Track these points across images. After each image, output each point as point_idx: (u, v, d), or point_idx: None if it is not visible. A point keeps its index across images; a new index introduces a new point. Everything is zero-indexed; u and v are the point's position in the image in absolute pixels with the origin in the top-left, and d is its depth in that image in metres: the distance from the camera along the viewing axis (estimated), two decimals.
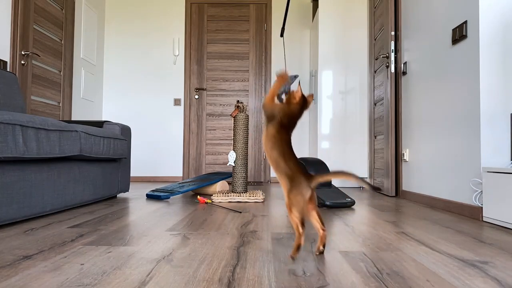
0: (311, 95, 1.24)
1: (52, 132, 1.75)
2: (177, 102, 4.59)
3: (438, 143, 2.37)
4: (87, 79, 4.16)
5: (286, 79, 1.24)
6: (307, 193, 1.07)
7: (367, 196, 3.03)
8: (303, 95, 1.21)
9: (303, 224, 1.07)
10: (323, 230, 1.13)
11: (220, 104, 4.62)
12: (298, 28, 4.63)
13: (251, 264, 1.05)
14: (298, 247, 1.07)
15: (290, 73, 1.34)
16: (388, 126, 3.06)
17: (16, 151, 1.50)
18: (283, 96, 1.25)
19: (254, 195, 2.54)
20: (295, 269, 1.01)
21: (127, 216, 1.88)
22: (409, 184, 2.85)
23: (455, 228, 1.64)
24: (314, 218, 1.13)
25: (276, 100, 1.25)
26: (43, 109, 3.29)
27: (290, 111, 1.19)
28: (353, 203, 2.29)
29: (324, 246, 1.15)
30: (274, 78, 4.61)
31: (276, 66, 4.61)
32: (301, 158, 2.55)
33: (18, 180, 1.60)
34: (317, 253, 1.15)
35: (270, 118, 1.20)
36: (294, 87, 1.27)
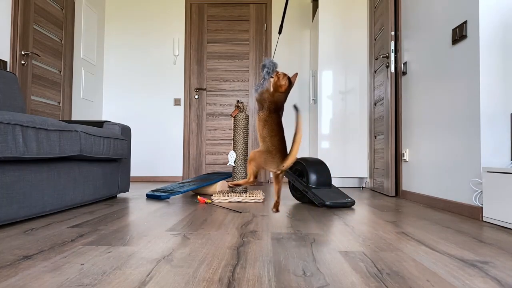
0: (295, 75, 1.45)
1: (52, 132, 1.75)
2: (177, 102, 4.59)
3: (438, 143, 2.37)
4: (87, 79, 4.16)
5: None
6: (272, 167, 1.35)
7: (367, 196, 3.03)
8: (288, 81, 1.41)
9: (255, 176, 1.37)
10: (277, 199, 1.48)
11: (220, 104, 4.62)
12: (298, 28, 4.63)
13: (251, 264, 1.05)
14: (238, 185, 1.41)
15: (266, 60, 1.48)
16: (388, 126, 3.06)
17: (16, 151, 1.50)
18: (266, 78, 1.40)
19: (254, 195, 2.54)
20: (295, 269, 1.01)
21: (127, 216, 1.88)
22: (409, 184, 2.85)
23: (455, 228, 1.64)
24: (275, 190, 1.44)
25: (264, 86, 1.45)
26: (43, 109, 3.29)
27: (275, 99, 1.40)
28: (353, 203, 2.29)
29: (277, 209, 1.51)
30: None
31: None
32: (301, 158, 2.55)
33: (18, 180, 1.60)
34: (273, 210, 1.50)
35: (260, 107, 1.43)
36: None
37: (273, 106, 1.38)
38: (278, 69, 1.46)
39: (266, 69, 1.40)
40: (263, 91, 1.42)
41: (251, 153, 1.38)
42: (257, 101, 1.42)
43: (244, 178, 2.64)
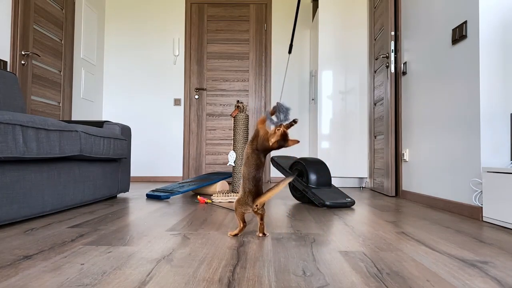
0: (295, 141, 1.37)
1: (52, 132, 1.75)
2: (177, 102, 4.59)
3: (438, 143, 2.37)
4: (87, 79, 4.16)
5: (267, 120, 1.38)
6: (248, 210, 1.37)
7: (367, 196, 3.03)
8: (282, 140, 1.34)
9: (243, 221, 1.40)
10: (261, 221, 1.42)
11: (220, 104, 4.62)
12: (298, 28, 4.63)
13: (251, 264, 1.05)
14: (236, 234, 1.41)
15: (285, 105, 1.40)
16: (388, 126, 3.06)
17: (16, 151, 1.50)
18: (275, 120, 1.34)
19: None
20: (295, 269, 1.01)
21: (127, 216, 1.88)
22: (409, 184, 2.85)
23: (455, 228, 1.64)
24: (259, 223, 1.43)
25: (268, 123, 1.38)
26: (43, 109, 3.29)
27: (264, 144, 1.36)
28: (353, 203, 2.29)
29: (263, 232, 1.43)
30: (273, 79, 4.61)
31: (276, 66, 4.61)
32: (301, 158, 2.55)
33: (18, 180, 1.60)
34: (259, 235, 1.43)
35: (252, 138, 1.40)
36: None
37: (261, 148, 1.37)
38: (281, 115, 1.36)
39: (282, 115, 1.33)
40: (259, 131, 1.36)
41: (234, 204, 1.41)
42: (255, 131, 1.40)
43: None
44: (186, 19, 4.63)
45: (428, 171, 2.50)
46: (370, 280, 0.93)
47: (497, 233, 1.55)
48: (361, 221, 1.80)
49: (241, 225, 1.41)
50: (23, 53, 3.00)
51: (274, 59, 4.62)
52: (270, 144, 1.35)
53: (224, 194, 2.52)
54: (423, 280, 0.93)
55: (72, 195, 2.03)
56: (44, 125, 1.68)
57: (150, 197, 2.67)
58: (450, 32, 2.21)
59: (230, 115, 3.09)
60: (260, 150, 1.37)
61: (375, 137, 3.54)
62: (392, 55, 3.01)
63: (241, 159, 2.63)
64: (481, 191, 1.89)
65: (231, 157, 2.63)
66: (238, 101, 2.73)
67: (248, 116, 2.72)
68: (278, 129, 1.34)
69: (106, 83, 4.62)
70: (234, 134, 2.67)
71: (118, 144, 2.50)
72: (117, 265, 1.02)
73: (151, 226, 1.60)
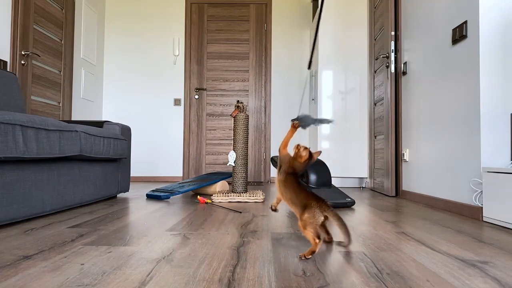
0: (318, 152, 1.39)
1: (52, 132, 1.75)
2: (177, 102, 4.59)
3: (438, 143, 2.37)
4: (87, 79, 4.16)
5: (297, 127, 1.40)
6: (320, 217, 1.22)
7: (367, 196, 3.03)
8: (309, 155, 1.34)
9: (318, 237, 1.19)
10: (330, 239, 1.35)
11: (220, 104, 4.62)
12: (298, 28, 4.63)
13: (251, 264, 1.05)
14: (312, 252, 1.17)
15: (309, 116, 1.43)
16: (388, 126, 3.06)
17: (16, 151, 1.50)
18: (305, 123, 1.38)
19: (254, 195, 2.54)
20: (295, 269, 1.01)
21: (127, 216, 1.88)
22: (409, 184, 2.85)
23: (455, 228, 1.64)
24: (324, 233, 1.34)
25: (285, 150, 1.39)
26: (43, 109, 3.29)
27: (294, 166, 1.35)
28: (353, 203, 2.29)
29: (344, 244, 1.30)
30: (273, 79, 4.61)
31: (276, 66, 4.60)
32: None
33: (18, 180, 1.60)
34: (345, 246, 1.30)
35: (278, 167, 1.39)
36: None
37: (291, 170, 1.37)
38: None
39: (303, 123, 1.38)
40: (285, 155, 1.39)
41: (299, 224, 1.25)
42: (279, 159, 1.41)
43: (244, 179, 2.64)
44: (186, 19, 4.63)
45: (428, 171, 2.50)
46: (370, 280, 0.93)
47: (497, 233, 1.55)
48: (361, 221, 1.80)
49: (318, 241, 1.20)
50: (23, 53, 3.00)
51: (274, 59, 4.62)
52: (303, 156, 1.34)
53: (224, 194, 2.52)
54: (423, 280, 0.93)
55: (72, 195, 2.03)
56: (44, 125, 1.68)
57: (150, 197, 2.67)
58: (450, 32, 2.21)
59: (230, 115, 3.09)
60: (293, 171, 1.36)
61: (375, 137, 3.54)
62: (392, 55, 3.01)
63: (242, 158, 2.63)
64: (481, 191, 1.89)
65: (231, 157, 2.63)
66: (238, 101, 2.73)
67: (248, 116, 2.72)
68: (299, 148, 1.34)
69: (106, 83, 4.61)
70: (234, 134, 2.67)
71: (118, 144, 2.50)
72: (117, 265, 1.02)
73: (151, 226, 1.60)
